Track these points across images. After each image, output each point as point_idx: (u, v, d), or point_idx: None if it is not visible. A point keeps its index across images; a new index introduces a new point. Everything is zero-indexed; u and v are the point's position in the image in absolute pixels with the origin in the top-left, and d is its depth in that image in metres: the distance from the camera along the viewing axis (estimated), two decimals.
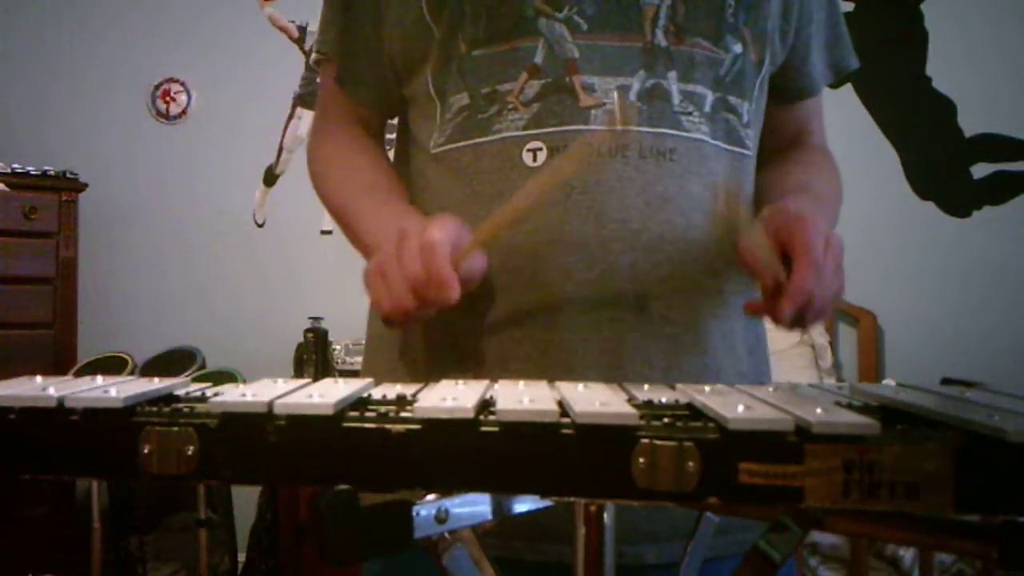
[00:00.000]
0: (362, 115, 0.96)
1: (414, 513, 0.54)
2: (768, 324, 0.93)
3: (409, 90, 0.89)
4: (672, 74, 0.81)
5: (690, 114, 0.81)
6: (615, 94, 0.79)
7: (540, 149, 0.79)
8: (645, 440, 0.44)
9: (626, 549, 0.76)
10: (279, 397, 0.48)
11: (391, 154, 0.97)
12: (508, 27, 0.81)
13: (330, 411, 0.47)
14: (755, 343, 0.88)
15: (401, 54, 0.88)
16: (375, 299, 0.75)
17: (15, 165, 2.93)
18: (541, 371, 0.77)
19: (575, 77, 0.79)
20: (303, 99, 3.29)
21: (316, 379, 0.58)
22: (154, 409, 0.49)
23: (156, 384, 0.54)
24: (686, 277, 0.80)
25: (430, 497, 0.54)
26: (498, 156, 0.80)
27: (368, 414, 0.48)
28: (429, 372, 0.83)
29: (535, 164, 0.79)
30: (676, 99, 0.81)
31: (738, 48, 0.83)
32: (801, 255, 0.69)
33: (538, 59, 0.80)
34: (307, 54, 3.26)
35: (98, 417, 0.48)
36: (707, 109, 0.82)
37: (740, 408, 0.45)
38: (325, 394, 0.49)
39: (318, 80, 1.02)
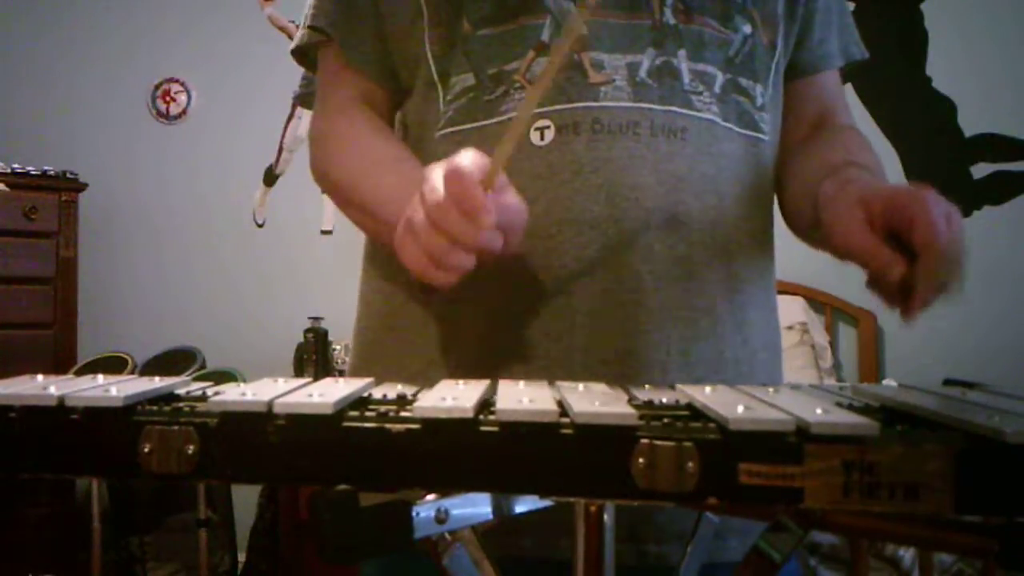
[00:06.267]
0: (369, 92, 0.89)
1: (414, 513, 0.54)
2: None
3: (408, 78, 0.87)
4: (682, 52, 0.80)
5: (700, 94, 0.80)
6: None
7: (548, 127, 0.77)
8: (645, 440, 0.44)
9: (635, 548, 0.76)
10: (279, 397, 0.48)
11: None
12: (515, 5, 0.79)
13: (330, 411, 0.47)
14: (770, 339, 0.86)
15: (396, 38, 0.86)
16: (407, 261, 0.67)
17: (15, 165, 2.93)
18: (552, 356, 0.76)
19: (584, 54, 0.78)
20: (303, 99, 3.29)
21: (316, 379, 0.58)
22: (154, 408, 0.49)
23: (156, 383, 0.54)
24: (700, 260, 0.79)
25: (430, 497, 0.55)
26: None
27: (368, 414, 0.48)
28: (434, 360, 0.81)
29: (542, 143, 0.77)
30: (686, 78, 0.79)
31: (748, 28, 0.82)
32: (927, 244, 0.61)
33: (545, 36, 0.78)
34: None
35: (98, 416, 0.48)
36: (717, 90, 0.81)
37: (740, 408, 0.45)
38: (325, 394, 0.49)
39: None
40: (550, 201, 0.76)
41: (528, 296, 0.77)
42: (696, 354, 0.78)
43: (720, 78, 0.81)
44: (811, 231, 0.80)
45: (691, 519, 0.64)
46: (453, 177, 0.63)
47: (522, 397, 0.49)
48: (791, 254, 1.00)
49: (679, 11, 0.80)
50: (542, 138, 0.78)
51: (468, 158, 0.65)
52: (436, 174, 0.65)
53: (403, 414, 0.47)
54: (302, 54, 0.94)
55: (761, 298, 0.85)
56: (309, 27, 0.90)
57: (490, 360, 0.78)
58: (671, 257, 0.77)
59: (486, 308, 0.78)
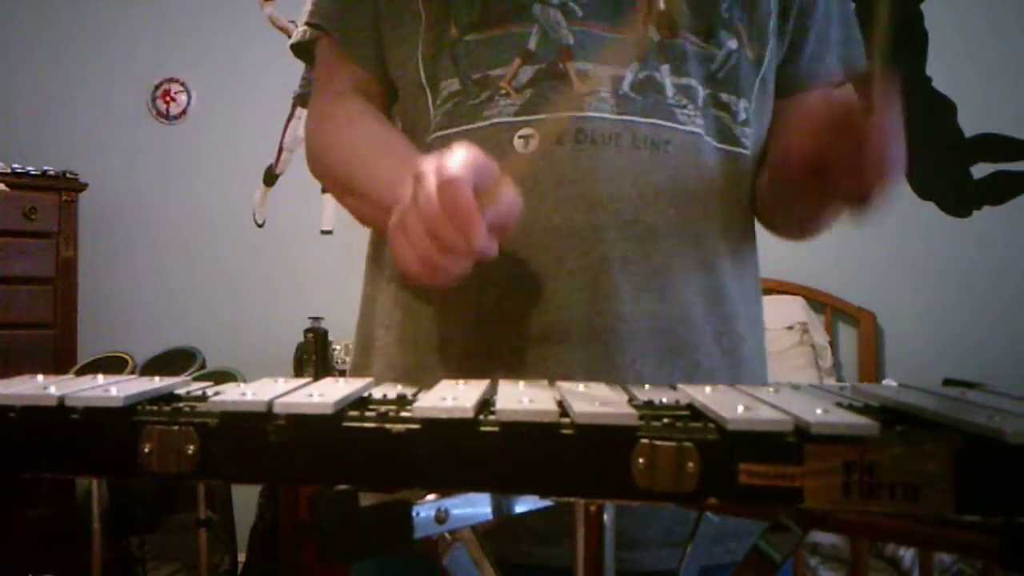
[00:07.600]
0: (366, 84, 0.90)
1: (414, 513, 0.54)
2: (767, 324, 0.93)
3: (399, 80, 0.87)
4: (665, 67, 0.80)
5: (684, 107, 0.81)
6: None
7: (532, 136, 0.78)
8: (645, 440, 0.44)
9: (625, 555, 0.76)
10: (279, 396, 0.48)
11: None
12: (502, 11, 0.80)
13: (330, 410, 0.47)
14: (749, 351, 0.86)
15: (392, 41, 0.86)
16: (397, 256, 0.68)
17: (15, 165, 2.93)
18: (529, 361, 0.77)
19: (569, 63, 0.79)
20: (303, 99, 3.28)
21: (316, 379, 0.58)
22: (154, 408, 0.49)
23: (156, 383, 0.54)
24: (679, 271, 0.79)
25: (430, 497, 0.54)
26: (488, 142, 0.78)
27: (368, 414, 0.48)
28: (424, 359, 0.82)
29: (526, 151, 0.78)
30: (670, 92, 0.80)
31: (732, 44, 0.83)
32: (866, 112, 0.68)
33: (531, 44, 0.79)
34: None
35: (98, 416, 0.48)
36: (700, 104, 0.81)
37: (740, 408, 0.45)
38: (325, 393, 0.49)
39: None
40: (532, 209, 0.76)
41: (507, 301, 0.78)
42: (671, 364, 0.79)
43: (702, 92, 0.82)
44: (779, 213, 0.86)
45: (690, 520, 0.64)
46: (446, 190, 0.62)
47: (522, 397, 0.49)
48: (791, 254, 1.01)
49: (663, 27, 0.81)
50: (526, 146, 0.78)
51: (461, 160, 0.64)
52: (430, 178, 0.64)
53: (403, 414, 0.47)
54: (301, 50, 0.94)
55: (741, 309, 0.85)
56: (308, 23, 0.91)
57: (471, 362, 0.79)
58: (649, 268, 0.78)
59: (469, 311, 0.80)
